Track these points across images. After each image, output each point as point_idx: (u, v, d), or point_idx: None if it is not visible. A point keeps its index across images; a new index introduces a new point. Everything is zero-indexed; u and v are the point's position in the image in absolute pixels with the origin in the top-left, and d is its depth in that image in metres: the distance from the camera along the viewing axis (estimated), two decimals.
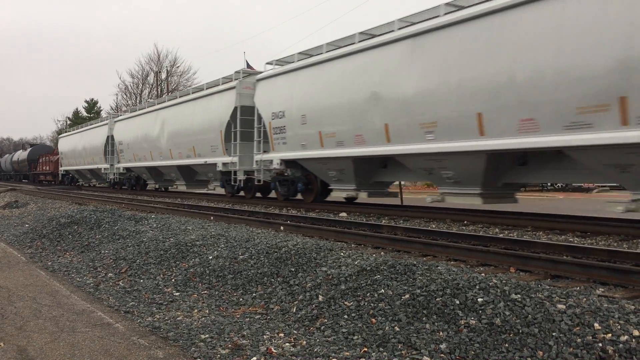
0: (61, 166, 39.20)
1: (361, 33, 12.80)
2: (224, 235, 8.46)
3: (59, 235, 11.18)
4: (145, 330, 4.96)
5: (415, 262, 5.59)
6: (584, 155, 8.63)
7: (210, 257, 7.41)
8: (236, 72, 17.70)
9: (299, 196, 16.29)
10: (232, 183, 17.97)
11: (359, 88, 12.22)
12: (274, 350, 4.24)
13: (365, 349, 4.18)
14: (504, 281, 4.75)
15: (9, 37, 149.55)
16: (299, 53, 14.90)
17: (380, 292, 5.03)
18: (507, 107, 9.18)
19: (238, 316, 5.36)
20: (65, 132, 41.29)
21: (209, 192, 22.35)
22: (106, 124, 29.43)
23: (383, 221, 10.88)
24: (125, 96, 63.12)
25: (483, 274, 5.28)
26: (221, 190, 19.60)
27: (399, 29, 11.52)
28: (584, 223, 9.15)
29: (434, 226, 9.96)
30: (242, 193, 18.87)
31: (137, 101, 58.23)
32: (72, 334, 4.84)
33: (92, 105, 71.31)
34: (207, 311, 5.63)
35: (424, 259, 6.75)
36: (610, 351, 3.54)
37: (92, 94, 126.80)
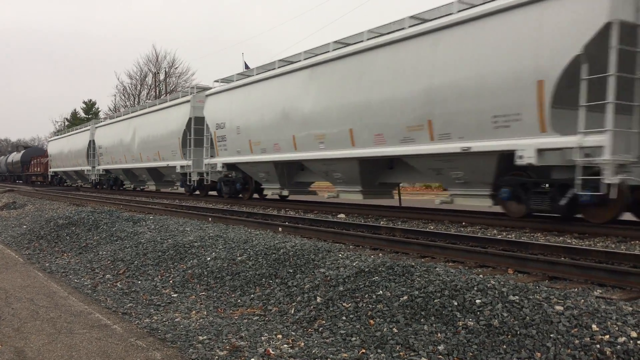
0: (50, 168, 42.13)
1: (280, 60, 15.72)
2: (222, 237, 8.45)
3: (56, 236, 11.17)
4: (143, 332, 4.95)
5: (413, 264, 5.59)
6: (414, 161, 11.70)
7: (209, 259, 7.41)
8: (191, 87, 20.75)
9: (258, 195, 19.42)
10: (188, 183, 20.92)
11: (275, 106, 15.22)
12: (272, 352, 4.24)
13: (364, 351, 4.18)
14: (502, 282, 4.75)
15: (8, 38, 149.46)
16: (238, 74, 17.94)
17: (379, 293, 5.02)
18: (367, 125, 12.24)
19: (236, 317, 5.35)
20: (54, 136, 44.50)
21: (174, 190, 25.92)
22: (88, 129, 32.50)
23: (381, 222, 10.89)
24: (123, 97, 63.16)
25: (481, 276, 5.28)
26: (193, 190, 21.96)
27: (305, 59, 14.46)
28: (582, 225, 9.16)
29: (432, 227, 9.97)
30: (197, 192, 21.63)
31: (136, 102, 58.21)
32: (69, 336, 4.83)
33: (90, 107, 71.27)
34: (205, 312, 5.63)
35: (422, 260, 6.75)
36: (608, 353, 3.55)
37: (90, 95, 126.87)
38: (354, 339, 4.43)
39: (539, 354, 3.70)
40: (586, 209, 9.05)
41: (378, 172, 13.35)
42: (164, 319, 5.37)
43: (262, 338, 4.62)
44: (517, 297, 4.38)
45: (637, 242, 7.77)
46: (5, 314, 5.62)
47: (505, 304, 4.30)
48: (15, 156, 56.54)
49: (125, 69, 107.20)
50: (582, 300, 4.29)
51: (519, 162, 9.05)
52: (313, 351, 4.22)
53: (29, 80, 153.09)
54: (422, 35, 10.90)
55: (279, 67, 15.52)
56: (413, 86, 10.92)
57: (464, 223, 10.42)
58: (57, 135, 43.47)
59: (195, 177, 20.38)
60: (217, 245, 8.00)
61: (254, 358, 4.14)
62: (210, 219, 12.05)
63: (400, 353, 4.06)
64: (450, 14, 10.45)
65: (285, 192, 16.59)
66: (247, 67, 26.16)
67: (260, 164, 16.36)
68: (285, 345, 4.41)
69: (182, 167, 20.87)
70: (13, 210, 19.11)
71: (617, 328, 3.80)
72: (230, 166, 18.15)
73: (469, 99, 9.86)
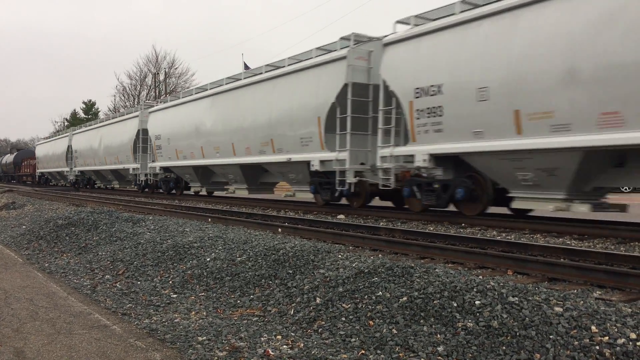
0: (38, 169, 47.19)
1: (196, 87, 22.48)
2: (222, 237, 8.45)
3: (56, 236, 11.17)
4: (142, 333, 4.95)
5: (413, 265, 5.60)
6: (269, 166, 16.82)
7: (208, 259, 7.41)
8: (139, 104, 24.45)
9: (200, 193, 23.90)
10: (138, 182, 26.27)
11: (190, 123, 20.43)
12: (272, 353, 4.24)
13: (363, 352, 4.18)
14: (501, 284, 4.76)
15: (7, 38, 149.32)
16: (171, 95, 24.95)
17: (378, 294, 5.03)
18: (241, 141, 17.23)
19: (235, 318, 5.36)
20: (41, 140, 49.85)
21: (131, 188, 29.98)
22: (67, 136, 37.37)
23: (381, 223, 10.89)
24: (123, 97, 63.19)
25: (480, 277, 5.28)
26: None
27: (210, 89, 19.88)
28: (582, 226, 9.17)
29: (431, 228, 9.97)
30: (146, 190, 26.60)
31: (136, 102, 58.21)
32: (69, 336, 4.83)
33: (90, 107, 71.28)
34: (204, 313, 5.63)
35: (422, 261, 6.75)
36: (607, 354, 3.55)
37: (90, 96, 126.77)
38: (353, 339, 4.43)
39: (538, 355, 3.70)
40: (349, 198, 14.14)
41: (257, 175, 18.21)
42: (164, 320, 5.37)
43: (262, 339, 4.62)
44: (516, 298, 4.38)
45: (637, 243, 7.78)
46: (5, 314, 5.62)
47: (504, 305, 4.30)
48: (9, 158, 61.69)
49: (125, 70, 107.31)
50: (582, 302, 4.29)
51: (312, 168, 14.18)
52: (312, 352, 4.23)
53: (29, 81, 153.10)
54: (267, 80, 16.23)
55: (195, 93, 21.29)
56: (264, 115, 16.06)
57: (463, 224, 10.43)
58: (43, 140, 49.04)
59: (142, 178, 26.09)
60: (216, 245, 8.01)
61: (254, 359, 4.14)
62: (209, 219, 12.05)
63: (400, 354, 4.06)
64: (283, 66, 15.95)
65: (203, 191, 22.06)
66: (246, 67, 27.08)
67: (184, 168, 21.74)
68: (284, 346, 4.41)
69: (133, 169, 26.10)
70: (12, 210, 19.10)
71: (616, 329, 3.80)
72: (165, 169, 23.58)
73: (290, 126, 14.97)
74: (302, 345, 4.42)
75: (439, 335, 4.17)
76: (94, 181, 35.08)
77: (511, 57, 9.36)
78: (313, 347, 4.35)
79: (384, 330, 4.42)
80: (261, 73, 16.83)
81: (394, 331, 4.38)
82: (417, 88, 11.14)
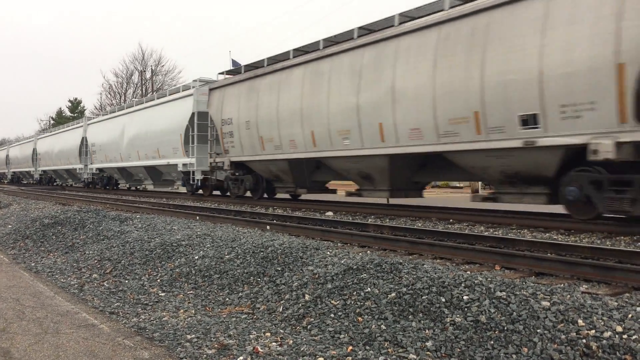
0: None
1: (137, 102, 27.66)
2: (210, 235, 8.42)
3: (42, 236, 11.07)
4: (130, 331, 4.92)
5: (401, 261, 5.61)
6: (160, 168, 24.20)
7: (196, 257, 7.38)
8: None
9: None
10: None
11: (120, 133, 26.55)
12: (261, 350, 4.24)
13: (352, 348, 4.19)
14: (489, 279, 4.78)
15: None
16: (110, 111, 30.63)
17: (367, 290, 5.03)
18: (159, 147, 22.98)
19: (224, 316, 5.34)
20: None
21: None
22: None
23: (369, 220, 10.91)
24: (109, 95, 62.75)
25: (468, 272, 5.31)
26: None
27: (134, 105, 26.53)
28: (568, 221, 9.24)
29: (419, 225, 10.00)
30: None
31: (122, 100, 57.83)
32: (56, 336, 4.79)
33: (75, 105, 70.72)
34: (193, 311, 5.60)
35: (410, 257, 6.78)
36: (594, 347, 3.58)
37: (75, 94, 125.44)
38: (342, 336, 4.44)
39: (525, 349, 3.72)
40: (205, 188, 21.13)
41: (159, 174, 26.05)
42: (152, 318, 5.34)
43: (251, 336, 4.61)
44: (504, 293, 4.41)
45: (622, 237, 7.85)
46: None
47: (492, 300, 4.32)
48: None
49: (111, 67, 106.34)
50: (568, 296, 4.32)
51: (178, 168, 21.33)
52: (301, 349, 4.23)
53: (13, 79, 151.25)
54: (151, 107, 24.01)
55: (135, 105, 26.77)
56: (156, 128, 22.99)
57: (451, 220, 10.47)
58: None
59: (86, 175, 29.59)
60: (204, 243, 7.98)
61: (242, 356, 4.13)
62: (197, 217, 12.00)
63: (389, 350, 4.07)
64: (164, 96, 23.90)
65: (127, 185, 28.66)
66: (235, 64, 26.40)
67: (114, 169, 27.26)
68: (273, 343, 4.41)
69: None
70: None
71: (602, 323, 3.83)
72: (100, 170, 28.33)
73: (162, 137, 22.36)
74: (291, 342, 4.42)
75: (427, 331, 4.19)
76: (54, 179, 36.68)
77: (258, 107, 15.94)
78: (302, 343, 4.35)
79: (373, 326, 4.43)
80: (154, 99, 25.05)
81: (383, 327, 4.39)
82: (223, 119, 17.50)
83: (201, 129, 19.57)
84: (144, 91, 58.11)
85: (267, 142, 15.42)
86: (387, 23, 12.16)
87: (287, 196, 18.40)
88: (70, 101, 71.32)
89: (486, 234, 8.30)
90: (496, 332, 3.95)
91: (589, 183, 8.60)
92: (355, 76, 12.30)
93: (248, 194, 17.87)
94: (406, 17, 11.61)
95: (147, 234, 9.29)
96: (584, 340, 3.65)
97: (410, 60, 11.01)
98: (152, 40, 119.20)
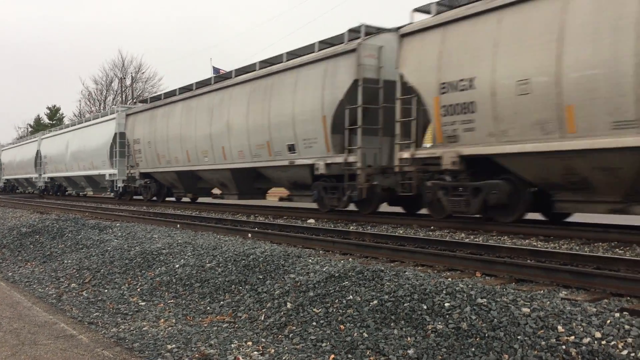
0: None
1: (78, 122, 31.66)
2: (191, 243, 8.36)
3: (19, 245, 10.90)
4: (109, 342, 4.86)
5: (383, 268, 5.62)
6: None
7: (177, 266, 7.32)
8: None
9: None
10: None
11: (65, 147, 30.20)
12: (242, 359, 4.21)
13: (334, 356, 4.18)
14: (470, 286, 4.81)
15: None
16: (59, 128, 34.26)
17: (349, 298, 5.03)
18: (92, 160, 26.75)
19: (205, 325, 5.30)
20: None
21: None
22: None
23: (351, 227, 10.92)
24: (89, 103, 62.14)
25: (450, 279, 5.33)
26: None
27: (75, 124, 30.88)
28: (548, 227, 9.34)
29: (401, 232, 10.03)
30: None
31: (102, 108, 57.33)
32: (33, 347, 4.71)
33: (54, 112, 69.92)
34: (173, 321, 5.55)
35: (392, 264, 6.79)
36: (573, 353, 3.62)
37: (54, 101, 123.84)
38: (324, 344, 4.43)
39: (506, 356, 3.75)
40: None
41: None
42: (132, 328, 5.28)
43: (232, 345, 4.58)
44: (484, 299, 4.43)
45: (600, 244, 7.95)
46: None
47: (473, 307, 4.35)
48: None
49: (91, 74, 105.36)
50: (548, 302, 4.36)
51: (107, 178, 24.94)
52: (283, 357, 4.21)
53: None
54: (87, 126, 27.86)
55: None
56: (91, 144, 26.51)
57: (432, 227, 10.52)
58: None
59: (41, 184, 31.08)
60: (185, 252, 7.92)
61: None
62: (178, 225, 11.91)
63: (371, 358, 4.07)
64: (97, 117, 27.33)
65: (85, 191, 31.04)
66: (216, 71, 26.51)
67: (66, 178, 30.19)
68: (255, 352, 4.38)
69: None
70: None
71: (582, 329, 3.88)
72: (53, 179, 29.38)
73: (94, 151, 26.21)
74: (272, 351, 4.40)
75: (409, 338, 4.20)
76: (17, 187, 38.16)
77: (156, 130, 20.74)
78: (284, 352, 4.33)
79: (355, 334, 4.43)
80: (90, 119, 29.65)
81: (365, 335, 4.39)
82: (134, 139, 19.27)
83: (122, 146, 24.35)
84: (123, 98, 57.67)
85: (161, 158, 20.09)
86: (229, 75, 17.21)
87: (191, 199, 22.19)
88: (48, 108, 70.52)
89: (467, 240, 8.35)
90: (477, 339, 3.97)
91: (439, 188, 10.18)
92: (210, 112, 17.13)
93: (156, 198, 22.30)
94: (239, 71, 16.57)
95: (127, 243, 9.20)
96: (564, 347, 3.68)
97: (238, 103, 15.83)
98: (133, 47, 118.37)
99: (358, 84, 11.69)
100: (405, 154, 10.76)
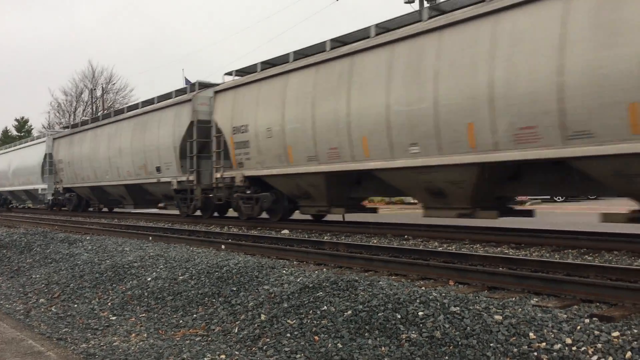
0: None
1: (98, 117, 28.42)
2: (163, 256, 8.26)
3: None
4: (79, 358, 4.75)
5: (357, 278, 5.62)
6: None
7: (149, 279, 7.21)
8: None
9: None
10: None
11: (8, 165, 32.19)
12: None
13: None
14: (443, 294, 4.84)
15: None
16: (8, 145, 31.91)
17: (323, 309, 5.01)
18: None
19: (178, 339, 5.22)
20: None
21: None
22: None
23: (325, 237, 10.91)
24: (58, 114, 61.11)
25: (423, 288, 5.36)
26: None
27: (17, 145, 32.80)
28: (519, 235, 9.46)
29: (375, 241, 10.05)
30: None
31: (72, 119, 56.47)
32: None
33: (22, 124, 68.61)
34: (145, 335, 5.46)
35: (366, 274, 6.79)
36: (545, 359, 3.65)
37: (22, 112, 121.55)
38: (298, 356, 4.40)
39: None
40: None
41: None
42: (102, 344, 5.18)
43: (205, 359, 4.52)
44: (458, 308, 4.46)
45: (570, 250, 8.08)
46: None
47: (446, 315, 4.37)
48: None
49: (60, 85, 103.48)
50: (520, 309, 4.41)
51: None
52: None
53: None
54: (29, 146, 29.42)
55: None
56: (29, 163, 28.25)
57: (406, 236, 10.57)
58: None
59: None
60: (157, 264, 7.81)
61: None
62: (150, 237, 11.76)
63: None
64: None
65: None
66: (187, 82, 26.07)
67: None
68: None
69: (42, 189, 27.16)
70: None
71: (553, 335, 3.92)
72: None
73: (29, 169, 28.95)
74: None
75: (383, 348, 4.19)
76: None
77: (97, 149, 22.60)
78: None
79: (329, 345, 4.41)
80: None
81: (339, 345, 4.38)
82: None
83: (50, 165, 27.05)
84: (94, 109, 56.90)
85: (78, 175, 23.76)
86: (122, 111, 21.45)
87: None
88: (17, 120, 69.16)
89: (440, 249, 8.41)
90: (451, 347, 3.99)
91: (239, 198, 14.39)
92: (108, 139, 21.10)
93: (75, 209, 25.65)
94: (130, 108, 20.78)
95: (98, 256, 9.04)
96: (535, 353, 3.72)
97: (126, 133, 19.75)
98: (103, 58, 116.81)
99: (194, 124, 16.00)
100: (218, 174, 15.10)
